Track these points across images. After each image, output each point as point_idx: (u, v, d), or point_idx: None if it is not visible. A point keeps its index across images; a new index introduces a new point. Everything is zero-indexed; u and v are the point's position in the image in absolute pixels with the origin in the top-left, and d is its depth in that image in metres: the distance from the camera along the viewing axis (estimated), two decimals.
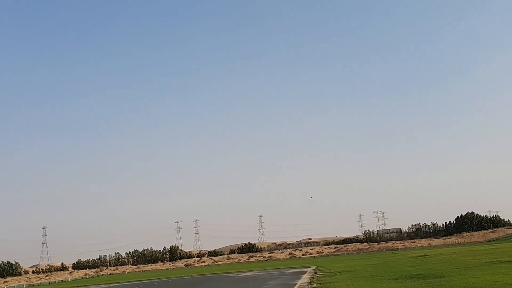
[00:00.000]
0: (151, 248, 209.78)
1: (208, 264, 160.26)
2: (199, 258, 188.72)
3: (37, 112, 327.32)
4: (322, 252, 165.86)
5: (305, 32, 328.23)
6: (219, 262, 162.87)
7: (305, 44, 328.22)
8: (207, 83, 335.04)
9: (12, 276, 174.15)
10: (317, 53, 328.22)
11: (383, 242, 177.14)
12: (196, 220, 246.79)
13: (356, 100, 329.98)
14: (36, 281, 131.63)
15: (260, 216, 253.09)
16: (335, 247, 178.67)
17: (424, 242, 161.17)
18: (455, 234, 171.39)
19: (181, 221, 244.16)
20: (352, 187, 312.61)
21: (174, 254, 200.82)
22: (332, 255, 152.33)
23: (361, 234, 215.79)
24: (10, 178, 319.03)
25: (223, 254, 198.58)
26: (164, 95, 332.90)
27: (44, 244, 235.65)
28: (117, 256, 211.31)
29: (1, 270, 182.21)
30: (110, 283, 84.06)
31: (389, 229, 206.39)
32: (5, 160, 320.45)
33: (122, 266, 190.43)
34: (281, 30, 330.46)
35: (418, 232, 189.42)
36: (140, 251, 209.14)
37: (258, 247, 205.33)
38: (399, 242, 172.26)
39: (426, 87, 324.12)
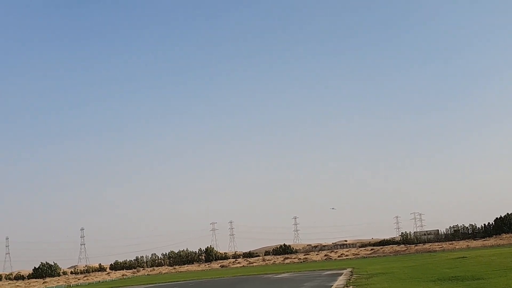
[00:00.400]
0: (187, 249, 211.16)
1: (243, 266, 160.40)
2: (234, 260, 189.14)
3: (73, 114, 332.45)
4: (358, 254, 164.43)
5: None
6: (254, 264, 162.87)
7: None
8: (240, 88, 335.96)
9: (51, 277, 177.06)
10: (362, 59, 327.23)
11: (420, 244, 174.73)
12: (231, 222, 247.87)
13: (394, 102, 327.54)
14: (74, 281, 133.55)
15: (295, 218, 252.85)
16: (371, 249, 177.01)
17: (462, 244, 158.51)
18: (494, 236, 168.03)
19: (216, 223, 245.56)
20: (389, 189, 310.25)
21: (209, 255, 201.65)
22: (368, 257, 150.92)
23: (397, 236, 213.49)
24: (48, 180, 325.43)
25: (258, 256, 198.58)
26: (198, 97, 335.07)
27: (82, 246, 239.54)
28: (154, 257, 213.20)
29: (40, 271, 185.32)
30: (147, 284, 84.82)
31: (426, 231, 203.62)
32: (43, 162, 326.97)
33: (159, 267, 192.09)
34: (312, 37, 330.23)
35: (456, 234, 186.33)
36: (176, 252, 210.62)
37: (293, 248, 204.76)
38: (436, 244, 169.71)
39: (464, 89, 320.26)
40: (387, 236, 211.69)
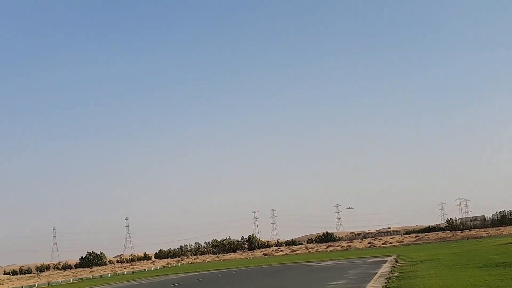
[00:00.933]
0: (229, 238, 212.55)
1: (286, 254, 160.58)
2: (277, 248, 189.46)
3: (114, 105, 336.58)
4: (402, 241, 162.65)
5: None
6: (297, 252, 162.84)
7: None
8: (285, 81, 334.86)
9: (97, 266, 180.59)
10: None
11: (466, 230, 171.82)
12: (272, 210, 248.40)
13: (443, 91, 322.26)
14: (120, 270, 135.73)
15: (337, 206, 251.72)
16: (416, 236, 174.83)
17: (509, 229, 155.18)
18: None
19: (258, 211, 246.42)
20: (433, 175, 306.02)
21: (252, 243, 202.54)
22: (413, 244, 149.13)
23: (443, 222, 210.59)
24: (93, 171, 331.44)
25: (301, 244, 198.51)
26: (233, 90, 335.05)
27: (127, 235, 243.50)
28: (197, 245, 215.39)
29: (87, 260, 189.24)
30: (192, 272, 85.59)
31: (472, 217, 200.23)
32: (87, 154, 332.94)
33: (202, 255, 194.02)
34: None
35: (503, 219, 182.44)
36: (219, 240, 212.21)
37: (336, 236, 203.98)
38: (483, 230, 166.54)
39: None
40: (432, 223, 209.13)
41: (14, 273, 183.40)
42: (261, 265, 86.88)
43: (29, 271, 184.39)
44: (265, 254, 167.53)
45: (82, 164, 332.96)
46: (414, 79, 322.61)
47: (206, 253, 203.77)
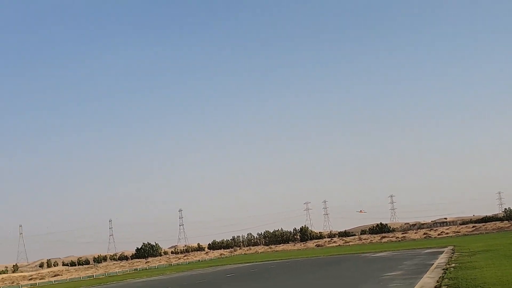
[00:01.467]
0: (282, 229, 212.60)
1: (339, 245, 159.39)
2: (330, 239, 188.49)
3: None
4: (459, 232, 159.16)
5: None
6: (351, 243, 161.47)
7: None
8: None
9: (153, 256, 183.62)
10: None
11: None
12: (325, 201, 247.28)
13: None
14: (175, 261, 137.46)
15: (391, 196, 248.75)
16: (473, 226, 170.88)
17: None
18: None
19: (309, 202, 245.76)
20: (490, 164, 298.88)
21: (304, 234, 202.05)
22: (470, 234, 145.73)
23: (500, 212, 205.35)
24: (147, 165, 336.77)
25: (354, 235, 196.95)
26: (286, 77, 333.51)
27: (181, 226, 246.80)
28: (250, 236, 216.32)
29: (143, 251, 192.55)
30: (245, 262, 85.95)
31: None
32: (140, 148, 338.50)
33: (255, 246, 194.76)
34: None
35: None
36: (271, 232, 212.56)
37: (390, 227, 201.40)
38: None
39: None
40: (489, 213, 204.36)
41: (72, 264, 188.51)
42: (314, 256, 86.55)
43: (86, 262, 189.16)
44: (318, 245, 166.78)
45: (135, 159, 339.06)
46: (479, 72, 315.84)
47: (259, 244, 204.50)
